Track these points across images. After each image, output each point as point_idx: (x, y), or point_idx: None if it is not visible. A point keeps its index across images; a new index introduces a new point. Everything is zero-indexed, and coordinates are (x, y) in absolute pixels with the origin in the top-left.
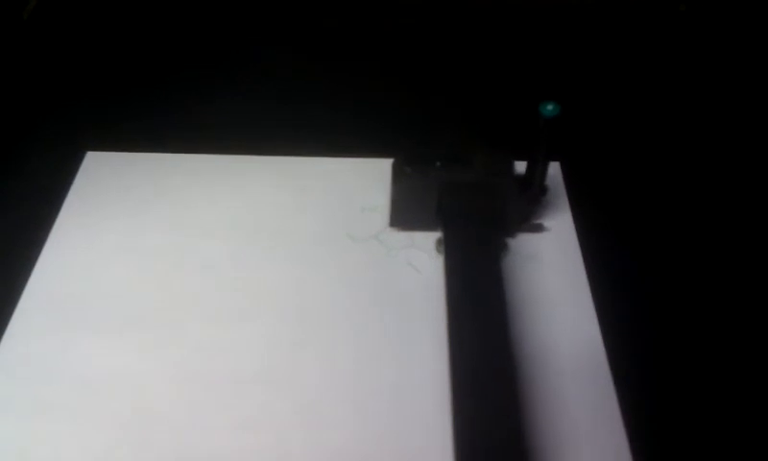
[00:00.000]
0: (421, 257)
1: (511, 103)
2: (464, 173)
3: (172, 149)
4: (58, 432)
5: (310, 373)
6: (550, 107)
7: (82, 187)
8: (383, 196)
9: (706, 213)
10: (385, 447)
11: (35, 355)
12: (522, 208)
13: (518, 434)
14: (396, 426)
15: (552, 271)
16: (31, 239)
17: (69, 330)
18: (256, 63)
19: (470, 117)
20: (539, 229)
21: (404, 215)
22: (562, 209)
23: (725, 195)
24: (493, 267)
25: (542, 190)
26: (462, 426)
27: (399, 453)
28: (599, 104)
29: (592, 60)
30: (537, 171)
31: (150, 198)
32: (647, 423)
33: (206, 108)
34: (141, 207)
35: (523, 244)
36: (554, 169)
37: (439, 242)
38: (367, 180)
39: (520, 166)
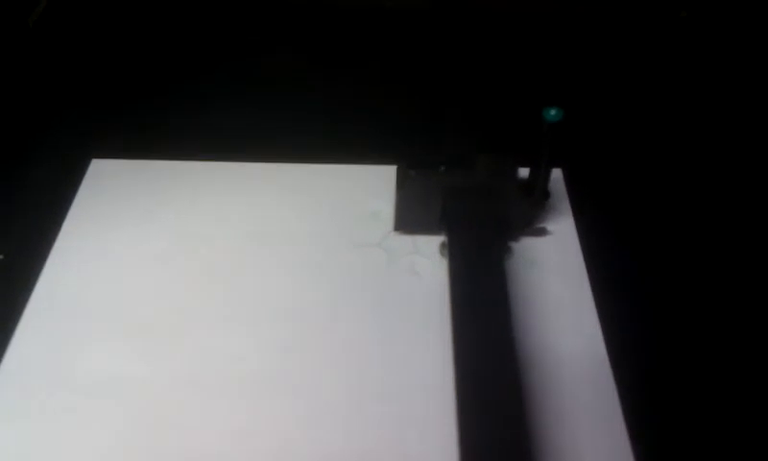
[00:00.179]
0: (425, 263)
1: (514, 109)
2: (467, 176)
3: (177, 156)
4: (63, 438)
5: (315, 378)
6: (553, 111)
7: (87, 194)
8: (387, 203)
9: (707, 218)
10: (389, 451)
11: (41, 362)
12: (525, 212)
13: (522, 437)
14: (400, 431)
15: (555, 275)
16: (37, 246)
17: (75, 337)
18: (261, 72)
19: (474, 123)
20: (541, 232)
21: (408, 219)
22: (564, 214)
23: (727, 201)
24: (497, 270)
25: (545, 194)
26: (466, 430)
27: (403, 458)
28: (600, 110)
29: (595, 67)
30: (539, 175)
31: (155, 205)
32: (649, 426)
33: (211, 115)
34: (146, 214)
35: (526, 248)
36: (556, 175)
37: (442, 245)
38: (370, 186)
39: (523, 172)
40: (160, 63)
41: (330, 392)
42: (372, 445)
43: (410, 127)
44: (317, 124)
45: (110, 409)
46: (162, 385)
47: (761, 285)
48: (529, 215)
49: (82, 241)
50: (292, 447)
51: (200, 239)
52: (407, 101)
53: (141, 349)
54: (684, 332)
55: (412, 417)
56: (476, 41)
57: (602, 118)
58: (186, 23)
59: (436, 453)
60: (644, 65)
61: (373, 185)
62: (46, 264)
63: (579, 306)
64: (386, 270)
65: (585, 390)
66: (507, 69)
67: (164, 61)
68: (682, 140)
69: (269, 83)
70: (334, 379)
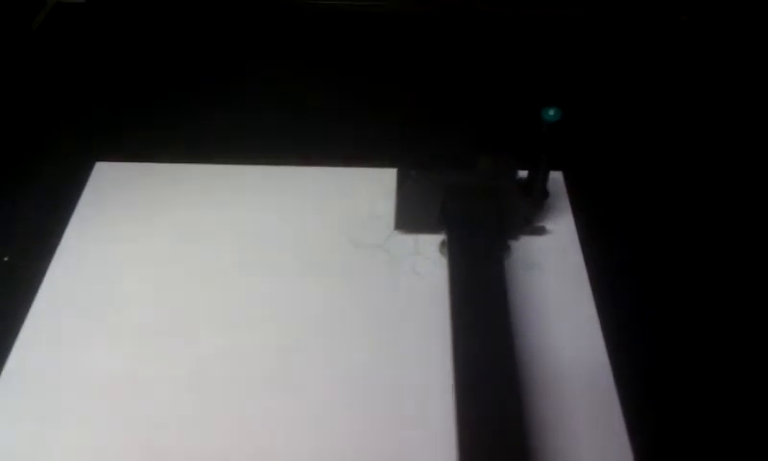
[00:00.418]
0: (426, 264)
1: (514, 111)
2: (467, 176)
3: (180, 159)
4: (68, 438)
5: (317, 378)
6: (552, 112)
7: (91, 197)
8: (387, 205)
9: (708, 221)
10: (390, 451)
11: (45, 362)
12: (525, 211)
13: (522, 438)
14: (401, 431)
15: (555, 276)
16: (41, 248)
17: (79, 338)
18: (262, 75)
19: (474, 124)
20: (541, 231)
21: (409, 218)
22: (564, 216)
23: (728, 203)
24: (496, 269)
25: (544, 194)
26: (465, 430)
27: (403, 458)
28: (601, 113)
29: (595, 70)
30: (539, 175)
31: (158, 207)
32: (649, 426)
33: (213, 118)
34: (149, 217)
35: (526, 250)
36: (556, 176)
37: (442, 244)
38: (371, 189)
39: (523, 174)
40: (163, 68)
41: (330, 392)
42: (373, 445)
43: (410, 128)
44: (317, 127)
45: (113, 409)
46: (165, 386)
47: (761, 285)
48: (528, 215)
49: (85, 243)
50: (292, 446)
51: (202, 241)
52: (407, 103)
53: (144, 350)
54: (683, 332)
55: (412, 417)
56: (476, 43)
57: (602, 120)
58: (188, 28)
59: (436, 453)
60: (644, 68)
61: (374, 188)
62: (50, 266)
63: (579, 306)
64: (387, 271)
65: (584, 389)
66: (508, 71)
67: (167, 66)
68: (681, 142)
69: (270, 86)
70: (334, 379)
